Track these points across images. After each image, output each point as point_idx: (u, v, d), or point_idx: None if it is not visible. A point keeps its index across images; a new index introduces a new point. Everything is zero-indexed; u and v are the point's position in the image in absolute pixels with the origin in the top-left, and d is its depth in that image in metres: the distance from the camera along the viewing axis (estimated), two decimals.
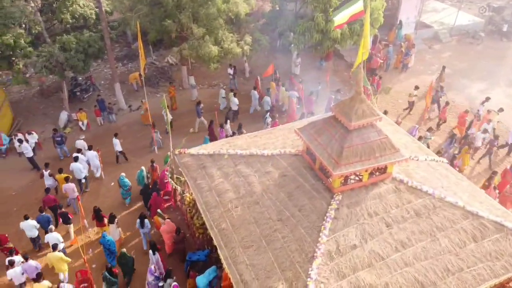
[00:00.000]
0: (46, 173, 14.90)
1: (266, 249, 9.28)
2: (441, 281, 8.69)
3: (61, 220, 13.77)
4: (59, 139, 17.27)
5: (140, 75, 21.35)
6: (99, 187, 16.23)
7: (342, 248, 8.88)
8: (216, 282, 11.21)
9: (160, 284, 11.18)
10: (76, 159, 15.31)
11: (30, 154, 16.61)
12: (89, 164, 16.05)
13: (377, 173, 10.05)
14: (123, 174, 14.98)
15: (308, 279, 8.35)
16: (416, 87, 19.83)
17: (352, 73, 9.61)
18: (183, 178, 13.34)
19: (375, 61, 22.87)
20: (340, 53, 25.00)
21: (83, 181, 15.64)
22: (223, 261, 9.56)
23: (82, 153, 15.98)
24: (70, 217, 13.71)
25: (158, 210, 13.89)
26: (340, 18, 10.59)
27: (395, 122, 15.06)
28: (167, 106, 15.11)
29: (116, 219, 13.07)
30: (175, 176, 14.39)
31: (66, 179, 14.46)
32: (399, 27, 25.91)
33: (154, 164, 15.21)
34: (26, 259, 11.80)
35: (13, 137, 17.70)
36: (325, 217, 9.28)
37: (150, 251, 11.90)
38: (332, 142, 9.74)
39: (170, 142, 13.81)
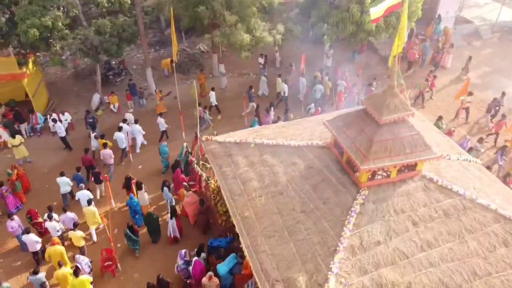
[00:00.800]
0: (92, 135, 16.58)
1: (288, 240, 9.24)
2: (467, 284, 8.41)
3: (93, 178, 14.93)
4: (91, 120, 17.73)
5: (171, 61, 21.55)
6: (136, 162, 16.97)
7: (366, 244, 8.72)
8: (238, 268, 11.28)
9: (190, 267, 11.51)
10: (120, 129, 16.21)
11: (63, 134, 17.13)
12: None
13: (406, 170, 9.78)
14: (165, 143, 16.30)
15: (329, 273, 8.27)
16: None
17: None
18: (208, 165, 13.43)
19: (412, 53, 22.17)
20: (374, 46, 24.42)
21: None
22: (244, 249, 9.59)
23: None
24: (101, 178, 14.84)
25: (184, 183, 14.37)
26: (377, 10, 10.25)
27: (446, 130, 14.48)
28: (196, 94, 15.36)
29: (143, 186, 13.79)
30: (201, 162, 14.53)
31: (105, 145, 15.61)
32: (437, 21, 24.99)
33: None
34: (65, 210, 13.11)
35: (48, 116, 18.28)
36: (350, 212, 9.13)
37: (169, 215, 12.75)
38: (361, 135, 9.53)
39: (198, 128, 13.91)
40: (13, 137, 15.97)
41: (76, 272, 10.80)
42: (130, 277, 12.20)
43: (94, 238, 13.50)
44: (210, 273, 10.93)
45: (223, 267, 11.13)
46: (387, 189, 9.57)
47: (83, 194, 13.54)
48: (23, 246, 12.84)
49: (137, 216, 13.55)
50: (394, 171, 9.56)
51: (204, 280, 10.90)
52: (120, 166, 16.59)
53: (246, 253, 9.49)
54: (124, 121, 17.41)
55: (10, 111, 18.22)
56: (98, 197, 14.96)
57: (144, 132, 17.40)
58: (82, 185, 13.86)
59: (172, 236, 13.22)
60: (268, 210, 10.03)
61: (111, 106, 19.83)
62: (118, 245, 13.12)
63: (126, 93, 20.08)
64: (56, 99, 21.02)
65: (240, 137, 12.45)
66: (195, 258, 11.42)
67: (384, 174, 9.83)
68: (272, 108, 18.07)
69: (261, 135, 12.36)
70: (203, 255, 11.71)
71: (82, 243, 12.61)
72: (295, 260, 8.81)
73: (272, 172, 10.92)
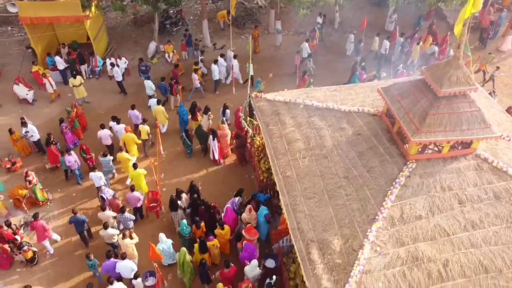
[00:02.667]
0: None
1: (327, 203, 9.29)
2: (508, 270, 8.14)
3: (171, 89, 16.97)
4: (144, 68, 18.19)
5: (228, 13, 21.33)
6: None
7: (406, 217, 8.60)
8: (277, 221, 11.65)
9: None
10: (215, 62, 17.72)
11: (120, 78, 17.76)
12: None
13: (460, 147, 9.36)
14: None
15: (365, 240, 8.30)
16: None
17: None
18: (256, 122, 13.53)
19: (486, 19, 20.44)
20: (442, 13, 22.79)
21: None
22: (283, 207, 9.77)
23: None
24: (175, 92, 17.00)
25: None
26: None
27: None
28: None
29: (209, 112, 14.96)
30: (248, 118, 14.65)
31: (195, 71, 17.49)
32: None
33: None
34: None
35: (106, 60, 18.95)
36: (394, 183, 8.97)
37: (210, 137, 14.05)
38: (417, 107, 9.15)
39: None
40: (74, 77, 16.79)
41: (135, 165, 12.70)
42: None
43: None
44: (249, 206, 11.47)
45: (262, 211, 11.52)
46: (436, 165, 9.25)
47: (120, 127, 14.64)
48: (78, 180, 13.92)
49: (186, 127, 15.20)
50: (447, 147, 9.18)
51: (245, 215, 11.47)
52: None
53: (284, 211, 9.67)
54: (222, 55, 18.29)
55: (74, 51, 19.04)
56: (172, 108, 16.89)
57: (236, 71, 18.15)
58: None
59: (215, 158, 14.46)
60: (310, 172, 10.07)
61: (166, 55, 20.17)
62: (164, 189, 13.79)
63: (181, 43, 20.28)
64: (115, 44, 21.66)
65: (290, 96, 12.35)
66: (228, 204, 11.88)
67: (436, 148, 9.48)
68: (363, 65, 17.78)
69: (312, 96, 12.19)
70: (239, 198, 12.16)
71: (146, 136, 14.52)
72: (332, 224, 8.89)
73: (319, 135, 10.84)
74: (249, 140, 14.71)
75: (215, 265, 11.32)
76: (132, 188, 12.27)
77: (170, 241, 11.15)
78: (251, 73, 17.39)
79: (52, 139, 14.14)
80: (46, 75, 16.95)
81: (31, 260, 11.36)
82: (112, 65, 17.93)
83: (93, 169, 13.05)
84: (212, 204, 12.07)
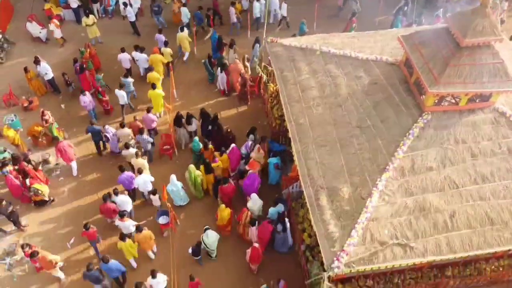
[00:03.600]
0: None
1: (339, 152, 9.35)
2: None
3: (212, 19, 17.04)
4: (156, 9, 17.69)
5: None
6: None
7: (417, 168, 8.66)
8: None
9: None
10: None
11: (133, 18, 17.36)
12: None
13: (478, 100, 9.17)
14: None
15: (374, 189, 8.43)
16: None
17: None
18: (270, 68, 13.31)
19: None
20: None
21: None
22: (294, 154, 9.86)
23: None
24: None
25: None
26: None
27: None
28: None
29: (234, 46, 15.24)
30: (263, 64, 14.39)
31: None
32: None
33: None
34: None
35: None
36: (407, 134, 8.93)
37: (219, 69, 14.54)
38: (437, 56, 8.88)
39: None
40: (87, 16, 16.46)
41: (154, 85, 13.45)
42: (184, 163, 13.07)
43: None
44: (258, 146, 11.72)
45: (272, 160, 11.75)
46: (452, 117, 9.14)
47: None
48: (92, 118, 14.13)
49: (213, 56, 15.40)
50: (465, 99, 9.01)
51: (253, 154, 11.73)
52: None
53: (295, 157, 9.78)
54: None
55: None
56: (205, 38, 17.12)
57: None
58: None
59: (221, 88, 14.88)
60: (323, 120, 10.04)
61: None
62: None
63: None
64: None
65: (306, 42, 12.04)
66: (233, 145, 12.06)
67: (453, 101, 9.31)
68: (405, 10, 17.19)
69: (329, 43, 11.86)
70: (251, 136, 12.34)
71: (170, 58, 15.00)
72: (342, 172, 9.00)
73: (334, 83, 10.68)
74: (262, 86, 14.55)
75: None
76: (148, 110, 13.00)
77: (180, 184, 11.45)
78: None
79: (67, 79, 14.24)
80: (52, 19, 16.60)
81: (40, 202, 11.86)
82: (125, 4, 17.45)
83: (107, 112, 13.26)
84: (226, 128, 12.78)
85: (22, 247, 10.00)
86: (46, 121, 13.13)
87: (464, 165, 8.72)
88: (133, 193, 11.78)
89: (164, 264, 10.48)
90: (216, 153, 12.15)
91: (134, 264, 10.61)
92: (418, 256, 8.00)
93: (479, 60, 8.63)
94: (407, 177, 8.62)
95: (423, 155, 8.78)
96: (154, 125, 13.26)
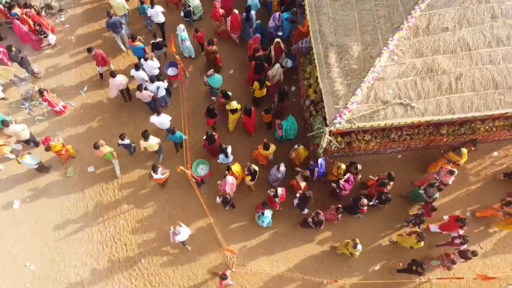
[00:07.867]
0: None
1: (353, 7, 8.93)
2: None
3: None
4: None
5: None
6: None
7: (432, 28, 8.38)
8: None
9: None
10: None
11: None
12: None
13: None
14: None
15: (384, 48, 8.33)
16: None
17: None
18: None
19: None
20: None
21: None
22: (306, 8, 9.42)
23: None
24: None
25: None
26: None
27: None
28: None
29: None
30: None
31: None
32: None
33: None
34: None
35: None
36: None
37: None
38: None
39: None
40: None
41: None
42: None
43: None
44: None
45: (284, 14, 11.23)
46: None
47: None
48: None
49: None
50: None
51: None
52: None
53: (307, 11, 9.38)
54: None
55: None
56: None
57: None
58: None
59: None
60: None
61: None
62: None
63: None
64: None
65: None
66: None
67: None
68: None
69: None
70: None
71: None
72: (355, 29, 8.76)
73: None
74: None
75: None
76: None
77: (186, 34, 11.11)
78: None
79: None
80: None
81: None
82: None
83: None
84: None
85: (40, 92, 10.41)
86: None
87: (481, 26, 8.40)
88: None
89: (176, 114, 10.91)
90: None
91: None
92: (417, 116, 8.35)
93: None
94: (420, 37, 8.42)
95: (441, 14, 8.40)
96: None
